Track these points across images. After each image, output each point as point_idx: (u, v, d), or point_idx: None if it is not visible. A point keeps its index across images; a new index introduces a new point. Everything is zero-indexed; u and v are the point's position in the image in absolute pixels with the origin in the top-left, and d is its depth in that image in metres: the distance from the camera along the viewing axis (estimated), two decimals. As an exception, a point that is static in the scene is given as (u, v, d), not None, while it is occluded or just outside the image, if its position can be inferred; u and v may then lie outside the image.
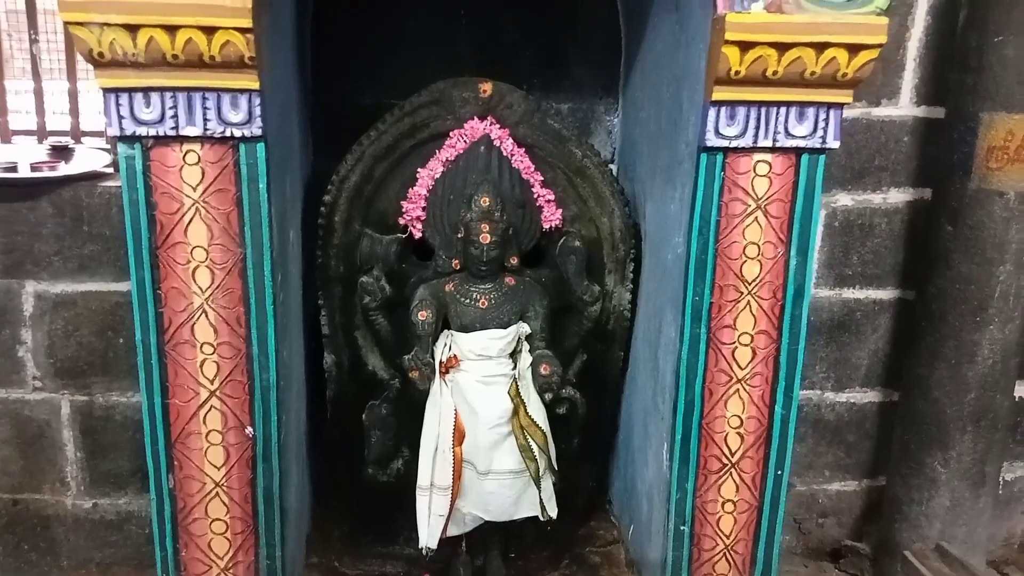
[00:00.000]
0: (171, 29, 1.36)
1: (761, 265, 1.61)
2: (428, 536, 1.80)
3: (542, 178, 1.92)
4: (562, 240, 1.94)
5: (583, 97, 2.22)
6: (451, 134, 1.87)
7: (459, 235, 1.83)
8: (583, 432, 1.98)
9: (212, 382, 1.56)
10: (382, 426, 1.91)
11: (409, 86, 1.88)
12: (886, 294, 2.38)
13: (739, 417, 1.67)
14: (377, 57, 2.10)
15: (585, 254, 1.93)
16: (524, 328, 1.86)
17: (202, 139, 1.46)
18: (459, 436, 1.78)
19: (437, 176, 1.88)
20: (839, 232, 2.33)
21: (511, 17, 2.14)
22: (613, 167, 2.20)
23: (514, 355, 1.86)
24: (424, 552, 1.82)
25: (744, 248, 1.59)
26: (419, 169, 1.88)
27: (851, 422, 2.47)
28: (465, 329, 1.82)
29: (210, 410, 1.58)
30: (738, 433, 1.68)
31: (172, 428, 1.58)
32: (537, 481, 1.80)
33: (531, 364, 1.84)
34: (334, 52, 2.06)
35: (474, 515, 1.82)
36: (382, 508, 1.95)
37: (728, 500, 1.72)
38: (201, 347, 1.55)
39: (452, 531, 1.83)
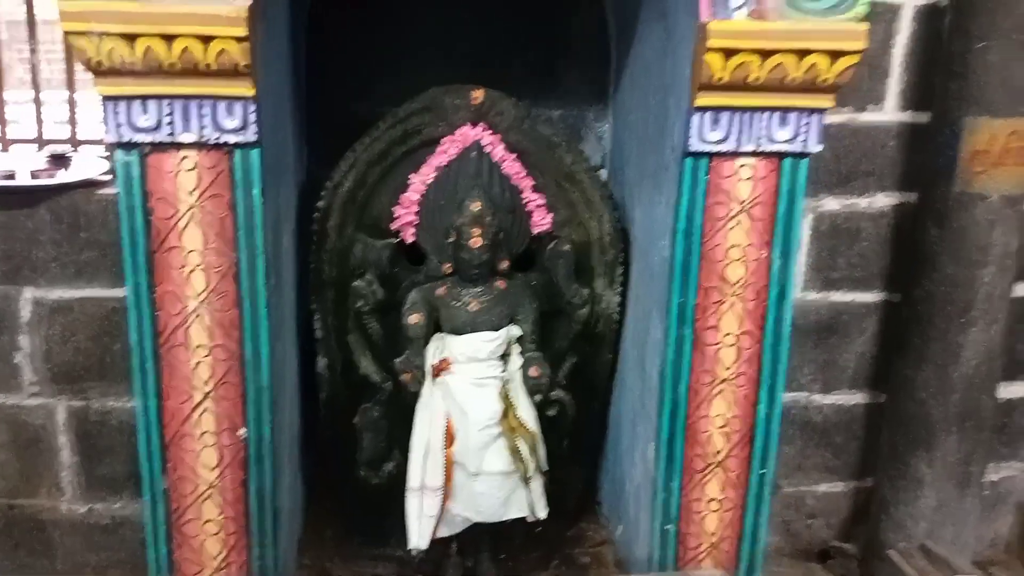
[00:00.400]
0: (168, 38, 1.39)
1: (745, 267, 1.64)
2: (418, 537, 1.82)
3: (532, 183, 1.95)
4: (552, 244, 1.97)
5: (574, 104, 2.25)
6: (443, 140, 1.90)
7: (450, 239, 1.86)
8: (573, 434, 2.00)
9: (206, 384, 1.59)
10: (374, 428, 1.93)
11: (403, 94, 1.90)
12: (873, 297, 2.41)
13: (724, 417, 1.70)
14: (372, 66, 2.13)
15: (574, 258, 1.96)
16: (515, 331, 1.88)
17: (198, 145, 1.49)
18: (450, 438, 1.80)
19: (429, 182, 1.91)
20: (827, 236, 2.36)
21: (503, 26, 2.17)
22: (603, 172, 2.23)
23: (504, 357, 1.88)
24: (414, 553, 1.84)
25: (728, 250, 1.63)
26: (411, 175, 1.91)
27: (839, 424, 2.49)
28: (456, 332, 1.85)
29: (204, 412, 1.60)
30: (723, 433, 1.71)
31: (166, 430, 1.60)
32: (527, 482, 1.82)
33: (521, 366, 1.86)
34: (330, 61, 2.09)
35: (464, 516, 1.84)
36: (374, 510, 1.97)
37: (713, 499, 1.74)
38: (196, 350, 1.57)
39: (443, 532, 1.85)
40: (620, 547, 2.04)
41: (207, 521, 1.66)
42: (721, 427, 1.71)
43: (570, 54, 2.22)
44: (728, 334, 1.66)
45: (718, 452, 1.72)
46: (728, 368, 1.68)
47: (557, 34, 2.20)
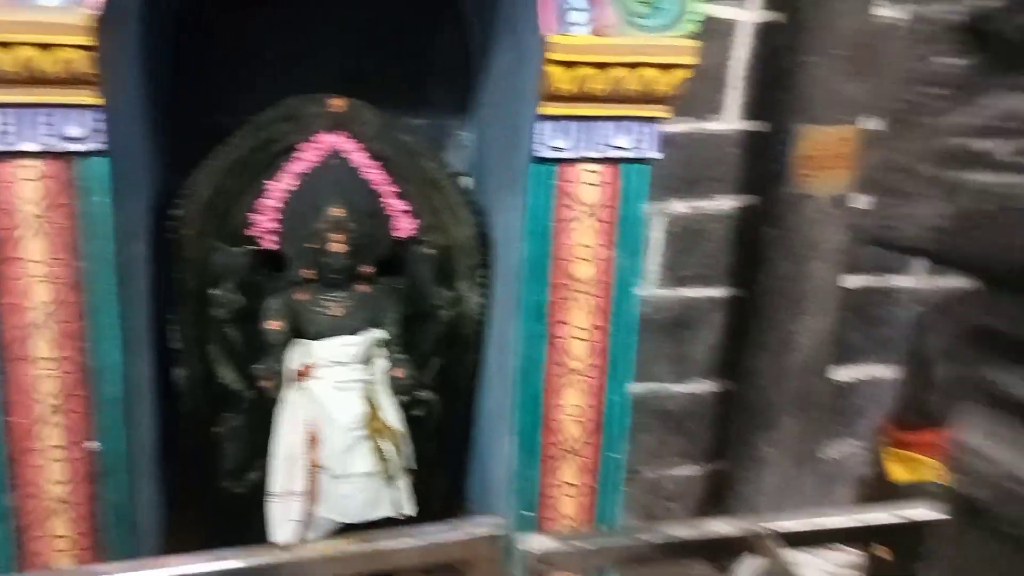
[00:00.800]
0: (7, 46, 1.35)
1: (594, 266, 1.74)
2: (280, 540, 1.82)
3: (396, 190, 1.99)
4: (415, 248, 2.01)
5: (439, 114, 2.31)
6: (302, 147, 1.92)
7: (312, 245, 1.87)
8: (439, 434, 2.05)
9: (53, 398, 1.55)
10: (236, 437, 1.91)
11: (269, 105, 1.91)
12: (719, 292, 2.58)
13: (578, 406, 1.80)
14: (237, 77, 2.11)
15: (437, 262, 2.01)
16: (378, 334, 1.92)
17: (40, 155, 1.46)
18: (314, 442, 1.81)
19: (289, 188, 1.92)
20: (678, 237, 2.52)
21: (370, 41, 2.20)
22: (470, 180, 2.30)
23: (369, 361, 1.91)
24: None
25: (577, 250, 1.73)
26: (270, 182, 1.92)
27: (692, 412, 2.65)
28: (319, 336, 1.86)
29: (51, 426, 1.56)
30: (577, 421, 1.81)
31: (11, 446, 1.55)
32: (393, 481, 1.86)
33: (385, 369, 1.90)
34: (194, 72, 2.07)
35: (331, 519, 1.85)
36: (237, 519, 1.95)
37: (570, 484, 1.84)
38: (41, 363, 1.53)
39: (309, 537, 1.86)
40: (488, 540, 2.10)
41: (58, 537, 1.61)
42: (575, 416, 1.80)
43: (433, 66, 2.27)
44: (579, 328, 1.76)
45: (574, 440, 1.82)
46: (579, 360, 1.78)
47: (422, 48, 2.25)
